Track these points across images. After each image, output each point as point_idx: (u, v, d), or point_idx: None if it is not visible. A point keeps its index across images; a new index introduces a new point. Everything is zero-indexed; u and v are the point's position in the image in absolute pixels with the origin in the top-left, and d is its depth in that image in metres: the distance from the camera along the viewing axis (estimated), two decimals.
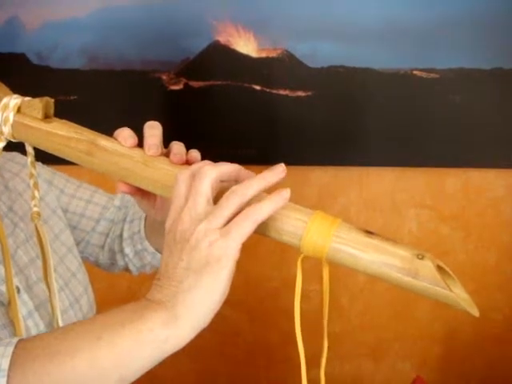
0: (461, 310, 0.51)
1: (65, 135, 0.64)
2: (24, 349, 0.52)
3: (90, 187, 0.96)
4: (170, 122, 1.50)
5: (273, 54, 1.41)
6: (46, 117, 0.65)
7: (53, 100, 0.66)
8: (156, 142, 0.62)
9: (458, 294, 0.51)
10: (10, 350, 0.52)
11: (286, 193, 0.53)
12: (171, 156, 0.62)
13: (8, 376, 0.50)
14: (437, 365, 1.66)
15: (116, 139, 0.63)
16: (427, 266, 0.51)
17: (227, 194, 0.53)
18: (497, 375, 1.66)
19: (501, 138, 1.47)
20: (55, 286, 0.77)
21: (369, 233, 0.53)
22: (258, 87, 1.43)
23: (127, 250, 0.93)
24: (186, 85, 1.44)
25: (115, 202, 0.97)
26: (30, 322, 0.74)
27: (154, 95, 1.45)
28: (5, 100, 0.65)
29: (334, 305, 1.62)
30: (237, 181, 0.57)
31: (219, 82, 1.44)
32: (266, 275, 1.61)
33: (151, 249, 0.90)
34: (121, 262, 0.96)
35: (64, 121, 0.66)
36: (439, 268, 0.52)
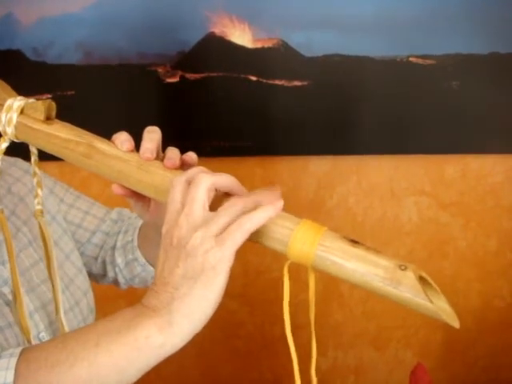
0: (442, 321, 0.52)
1: (64, 137, 0.66)
2: (27, 360, 0.54)
3: (88, 199, 0.98)
4: (167, 115, 1.51)
5: (268, 44, 1.41)
6: (48, 119, 0.67)
7: (54, 103, 0.68)
8: (151, 146, 0.64)
9: (440, 306, 0.52)
10: (14, 361, 0.54)
11: (279, 203, 0.55)
12: (165, 161, 0.63)
13: None
14: (439, 353, 1.66)
15: (113, 142, 0.65)
16: (409, 277, 0.52)
17: (226, 204, 0.54)
18: (499, 363, 1.66)
19: (499, 123, 1.46)
20: (59, 283, 0.79)
21: (354, 242, 0.55)
22: (254, 78, 1.43)
23: (119, 260, 0.94)
24: (182, 77, 1.44)
25: (112, 215, 0.99)
26: (31, 323, 0.75)
27: (151, 88, 1.45)
28: (9, 101, 0.67)
29: (335, 293, 1.62)
30: (229, 193, 0.58)
31: (215, 74, 1.43)
32: (267, 266, 1.61)
33: (142, 259, 0.91)
34: (111, 274, 0.97)
35: (65, 123, 0.68)
36: (422, 280, 0.52)
